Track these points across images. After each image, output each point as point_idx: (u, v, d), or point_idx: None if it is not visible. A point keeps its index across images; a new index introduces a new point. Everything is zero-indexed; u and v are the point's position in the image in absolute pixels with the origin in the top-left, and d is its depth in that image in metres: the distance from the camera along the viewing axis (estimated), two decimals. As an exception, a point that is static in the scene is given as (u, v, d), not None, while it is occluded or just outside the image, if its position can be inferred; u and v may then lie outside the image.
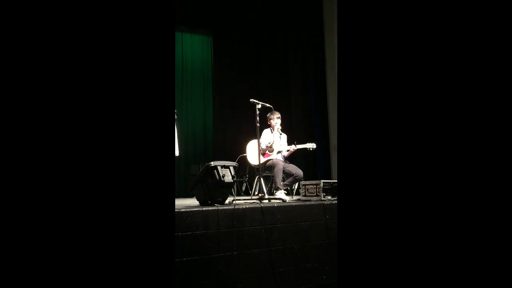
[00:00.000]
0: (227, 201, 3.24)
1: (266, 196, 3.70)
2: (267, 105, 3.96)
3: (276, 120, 4.42)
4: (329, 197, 3.58)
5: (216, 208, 2.73)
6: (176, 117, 4.06)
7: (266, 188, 4.35)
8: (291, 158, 4.52)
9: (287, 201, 3.57)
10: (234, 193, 4.92)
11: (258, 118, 3.73)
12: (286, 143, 4.46)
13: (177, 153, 4.07)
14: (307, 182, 3.82)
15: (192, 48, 7.04)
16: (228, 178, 3.08)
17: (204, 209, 2.67)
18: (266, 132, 4.42)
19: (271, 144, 4.32)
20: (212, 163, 3.09)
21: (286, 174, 4.35)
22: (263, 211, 2.89)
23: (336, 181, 3.69)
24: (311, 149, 4.29)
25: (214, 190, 3.07)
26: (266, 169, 4.32)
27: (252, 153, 4.42)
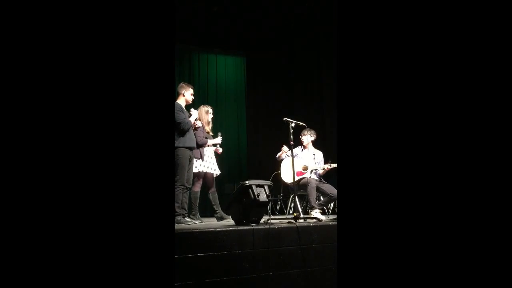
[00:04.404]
0: (262, 220, 3.22)
1: (302, 216, 3.65)
2: (301, 123, 3.96)
3: (303, 137, 4.43)
4: (367, 217, 3.47)
5: (251, 227, 2.72)
6: (221, 137, 4.15)
7: (301, 207, 4.30)
8: (327, 176, 4.45)
9: (323, 220, 3.50)
10: (269, 212, 4.89)
11: (291, 137, 3.72)
12: (322, 161, 4.41)
13: (218, 172, 4.14)
14: (343, 201, 3.74)
15: (225, 69, 7.20)
16: (263, 197, 3.07)
17: (239, 228, 2.67)
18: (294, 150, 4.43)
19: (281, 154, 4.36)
20: (247, 182, 3.10)
21: (321, 193, 4.28)
22: (299, 230, 2.85)
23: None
24: None
25: (249, 209, 3.07)
26: (300, 188, 4.28)
27: (286, 172, 4.40)
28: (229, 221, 3.55)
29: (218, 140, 4.12)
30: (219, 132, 4.21)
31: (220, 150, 4.23)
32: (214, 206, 4.05)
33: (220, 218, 3.98)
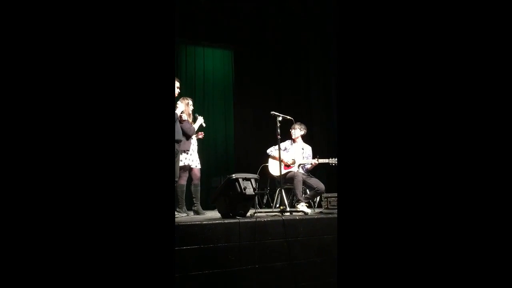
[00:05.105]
0: (248, 214, 3.23)
1: (288, 209, 3.67)
2: (288, 117, 3.97)
3: (293, 131, 4.45)
4: (352, 210, 3.51)
5: (238, 220, 2.72)
6: (204, 125, 4.13)
7: (287, 200, 4.32)
8: (313, 170, 4.49)
9: (309, 214, 3.53)
10: (256, 205, 4.90)
11: (279, 131, 3.73)
12: (310, 155, 4.43)
13: (199, 166, 4.11)
14: (329, 195, 3.78)
15: (213, 62, 7.15)
16: (249, 191, 3.08)
17: (225, 221, 2.67)
18: (284, 143, 4.44)
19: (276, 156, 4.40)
20: (233, 175, 3.10)
21: (308, 187, 4.31)
22: (285, 224, 2.87)
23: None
24: (333, 164, 4.24)
25: (235, 203, 3.08)
26: (287, 181, 4.30)
27: (274, 165, 4.42)
28: (216, 214, 3.55)
29: (200, 121, 4.09)
30: (196, 114, 4.17)
31: (202, 134, 4.20)
32: (194, 199, 4.01)
33: (196, 212, 3.95)
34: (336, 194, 3.69)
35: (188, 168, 3.97)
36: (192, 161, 4.00)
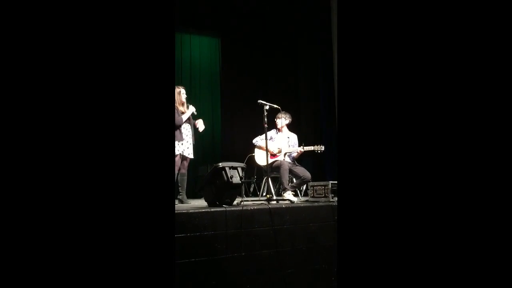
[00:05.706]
0: (235, 202, 3.24)
1: (274, 197, 3.69)
2: (275, 106, 3.96)
3: (278, 120, 4.45)
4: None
5: (224, 209, 2.73)
6: (195, 113, 4.09)
7: (274, 189, 4.35)
8: (299, 159, 4.51)
9: (295, 202, 3.56)
10: (242, 194, 4.92)
11: (266, 119, 3.73)
12: (296, 143, 4.45)
13: (192, 156, 4.09)
14: (315, 183, 3.81)
15: (200, 50, 7.06)
16: (236, 179, 3.08)
17: (212, 210, 2.68)
18: (269, 132, 4.45)
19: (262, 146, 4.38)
20: (220, 164, 3.10)
21: (294, 176, 4.34)
22: (271, 212, 2.89)
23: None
24: (318, 151, 4.27)
25: (222, 191, 3.08)
26: (274, 170, 4.32)
27: (260, 154, 4.42)
28: (203, 203, 3.55)
29: (191, 109, 4.05)
30: (187, 104, 4.13)
31: (200, 125, 4.13)
32: (180, 188, 4.00)
33: (180, 201, 3.95)
34: (321, 183, 3.73)
35: (181, 157, 3.94)
36: (188, 148, 3.98)
